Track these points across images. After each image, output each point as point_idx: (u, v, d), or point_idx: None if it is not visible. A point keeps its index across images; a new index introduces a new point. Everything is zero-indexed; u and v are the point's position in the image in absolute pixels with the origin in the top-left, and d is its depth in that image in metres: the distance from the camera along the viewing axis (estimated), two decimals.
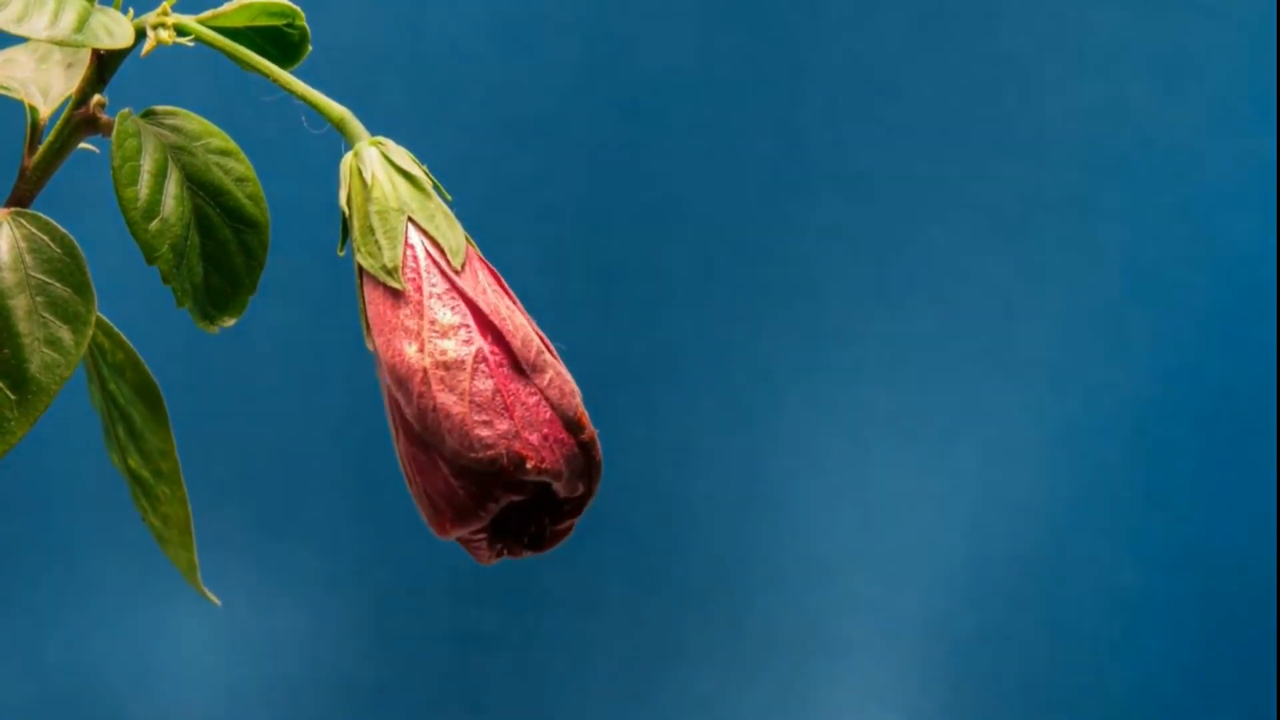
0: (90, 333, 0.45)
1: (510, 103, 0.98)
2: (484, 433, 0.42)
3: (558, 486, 0.43)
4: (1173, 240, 1.00)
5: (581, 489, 0.44)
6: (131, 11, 0.47)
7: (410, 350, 0.43)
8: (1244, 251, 1.00)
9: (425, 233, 0.45)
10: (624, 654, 1.00)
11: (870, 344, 1.00)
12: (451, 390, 0.42)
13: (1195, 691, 1.01)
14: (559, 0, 0.98)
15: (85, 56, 0.48)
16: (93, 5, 0.46)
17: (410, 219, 0.45)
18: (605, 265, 0.99)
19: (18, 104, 0.49)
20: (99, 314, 0.46)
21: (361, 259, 0.45)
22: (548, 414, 0.43)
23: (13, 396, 0.44)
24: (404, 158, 0.46)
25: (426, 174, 0.46)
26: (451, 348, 0.43)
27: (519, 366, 0.43)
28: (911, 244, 1.00)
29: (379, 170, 0.45)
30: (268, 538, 0.98)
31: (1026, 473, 1.00)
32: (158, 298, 0.53)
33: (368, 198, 0.45)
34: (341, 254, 0.46)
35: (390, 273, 0.44)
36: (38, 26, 0.44)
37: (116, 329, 0.51)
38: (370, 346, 0.45)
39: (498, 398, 0.42)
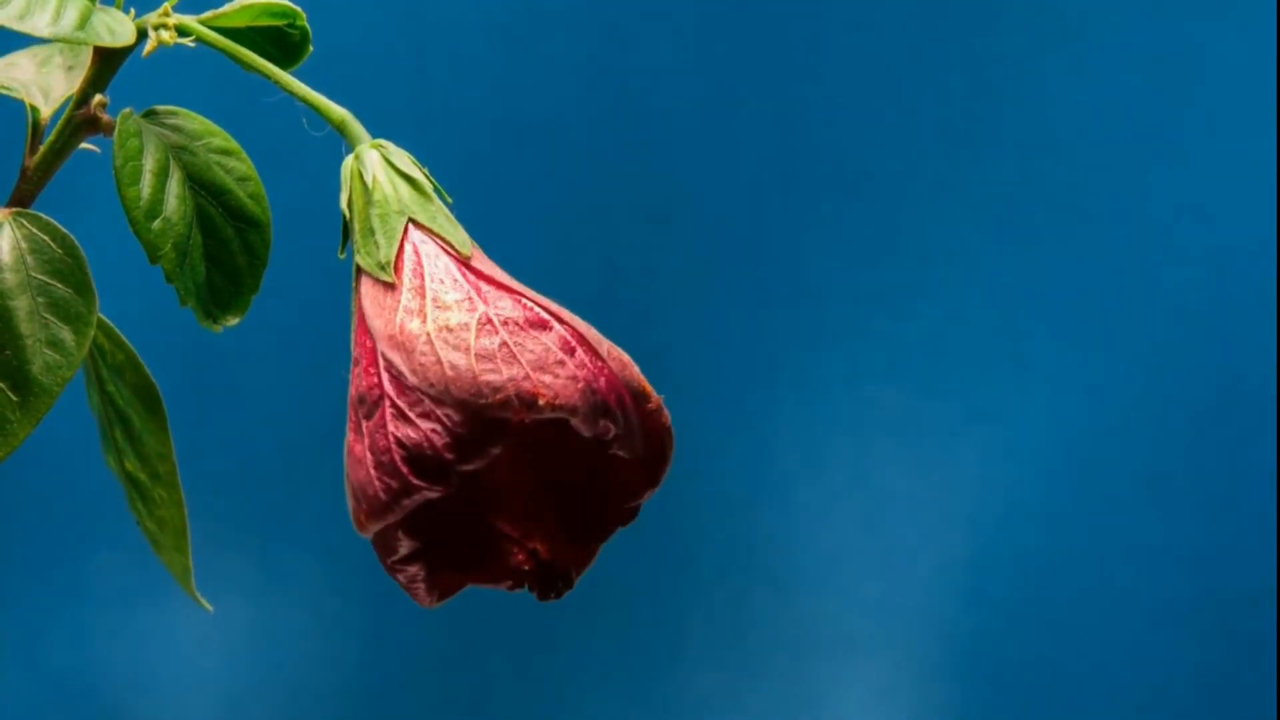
0: (92, 333, 0.45)
1: (510, 103, 0.98)
2: (492, 378, 0.41)
3: (577, 423, 0.42)
4: (1173, 240, 1.00)
5: (612, 430, 0.43)
6: (133, 11, 0.47)
7: (412, 323, 0.43)
8: (1244, 251, 1.00)
9: (427, 230, 0.45)
10: (624, 654, 1.00)
11: (870, 344, 1.00)
12: (456, 348, 0.42)
13: (1195, 691, 1.01)
14: (559, 0, 0.98)
15: (86, 60, 0.48)
16: (94, 4, 0.46)
17: (411, 220, 0.45)
18: (605, 265, 0.99)
19: (19, 104, 0.49)
20: (99, 315, 0.46)
21: (360, 259, 0.45)
22: (557, 357, 0.42)
23: (15, 398, 0.44)
24: (405, 161, 0.46)
25: (427, 177, 0.46)
26: (455, 316, 0.43)
27: (543, 326, 0.43)
28: (911, 244, 1.00)
29: (380, 173, 0.45)
30: (267, 538, 0.98)
31: (1026, 473, 1.00)
32: (158, 298, 0.53)
33: (369, 200, 0.45)
34: (342, 257, 0.46)
35: (383, 267, 0.44)
36: (40, 24, 0.44)
37: (117, 330, 0.51)
38: (354, 344, 0.45)
39: (504, 349, 0.42)
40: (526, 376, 0.42)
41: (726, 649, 1.00)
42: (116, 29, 0.46)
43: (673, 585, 1.00)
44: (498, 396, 0.41)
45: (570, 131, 0.98)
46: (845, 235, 0.99)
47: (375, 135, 0.46)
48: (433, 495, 0.42)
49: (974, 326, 1.00)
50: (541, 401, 0.41)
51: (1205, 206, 1.00)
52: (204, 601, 0.55)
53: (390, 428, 0.42)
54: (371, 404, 0.43)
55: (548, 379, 0.42)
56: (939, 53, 0.99)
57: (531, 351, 0.42)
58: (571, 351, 0.42)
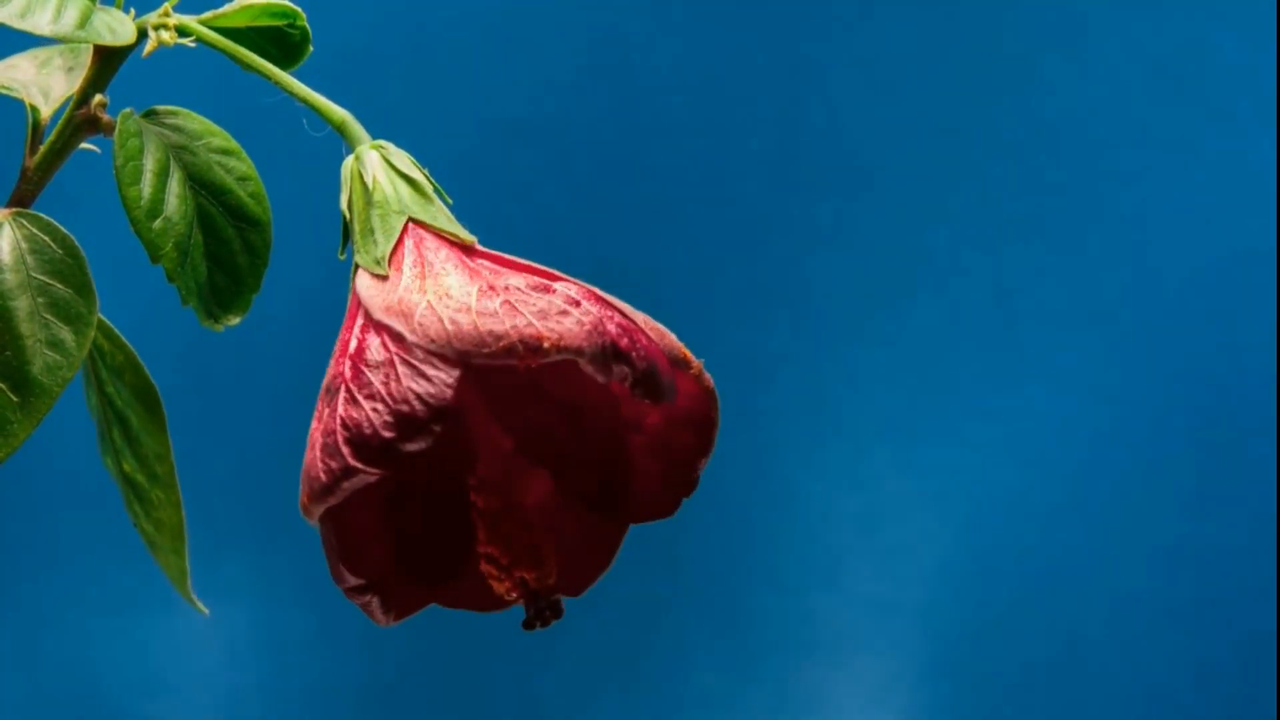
0: (92, 334, 0.45)
1: (510, 103, 0.98)
2: (495, 327, 0.41)
3: (587, 367, 0.41)
4: (1173, 240, 1.00)
5: (629, 375, 0.42)
6: (133, 11, 0.47)
7: (413, 295, 0.42)
8: (1244, 251, 1.00)
9: (427, 227, 0.45)
10: (624, 654, 1.00)
11: (870, 344, 1.00)
12: (458, 310, 0.41)
13: (1195, 691, 1.01)
14: (559, 0, 0.98)
15: (85, 61, 0.48)
16: (95, 4, 0.46)
17: (411, 219, 0.45)
18: (605, 265, 0.99)
19: (19, 105, 0.48)
20: (99, 315, 0.46)
21: (359, 257, 0.45)
22: (560, 308, 0.41)
23: (15, 399, 0.44)
24: (405, 161, 0.46)
25: (427, 178, 0.46)
26: (456, 288, 0.42)
27: (546, 289, 0.42)
28: (911, 244, 1.00)
29: (380, 174, 0.45)
30: (268, 538, 0.98)
31: (1026, 473, 1.00)
32: (158, 299, 0.53)
33: (369, 201, 0.45)
34: (342, 257, 0.46)
35: (379, 262, 0.44)
36: (41, 22, 0.44)
37: (116, 330, 0.51)
38: (338, 340, 0.44)
39: (506, 305, 0.41)
40: (529, 324, 0.41)
41: (726, 649, 1.00)
42: (117, 28, 0.46)
43: (672, 585, 1.00)
44: (501, 344, 0.40)
45: (569, 131, 0.98)
46: (845, 235, 0.99)
47: (375, 135, 0.46)
48: (370, 478, 0.41)
49: (974, 326, 1.00)
50: (546, 345, 0.41)
51: (1206, 206, 1.00)
52: (199, 604, 0.55)
53: (340, 411, 0.42)
54: (333, 392, 0.42)
55: (552, 324, 0.41)
56: (939, 53, 0.99)
57: (534, 305, 0.41)
58: (576, 304, 0.42)
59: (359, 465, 0.41)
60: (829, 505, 1.00)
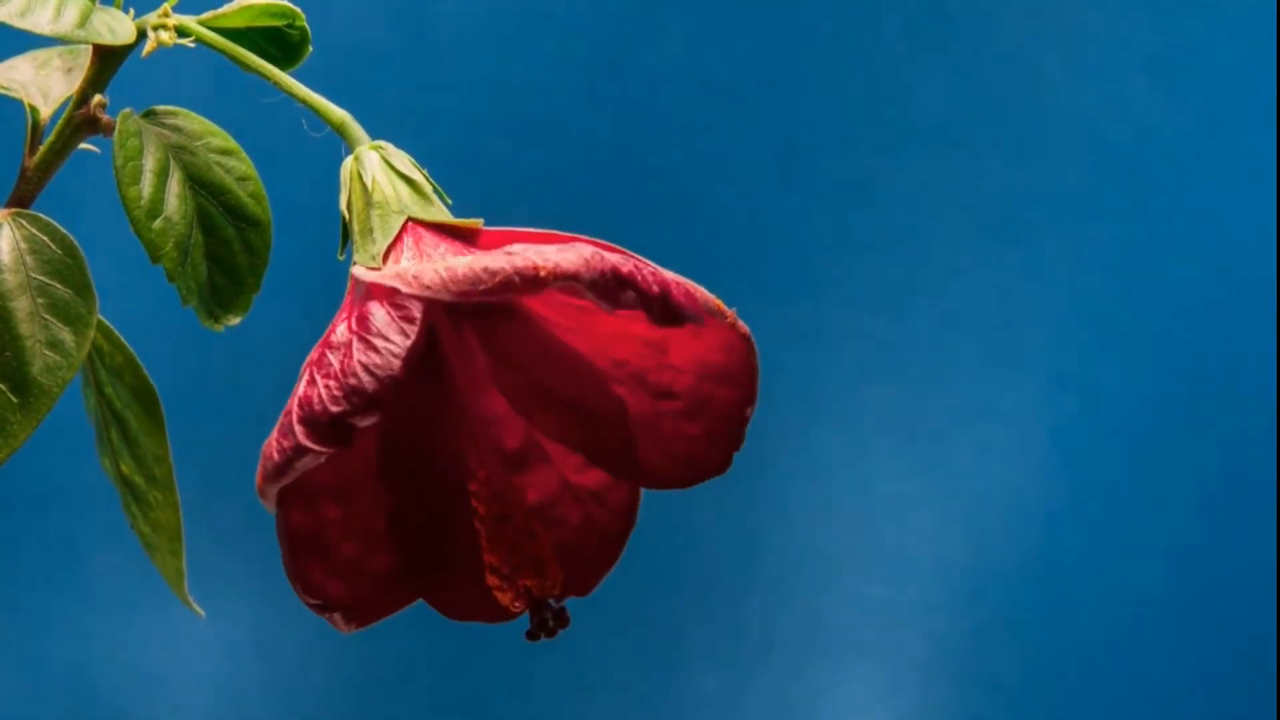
0: (91, 334, 0.45)
1: (509, 103, 0.98)
2: (489, 264, 0.40)
3: (586, 291, 0.41)
4: (1173, 240, 1.00)
5: (638, 300, 0.42)
6: (133, 11, 0.47)
7: (409, 265, 0.42)
8: (1244, 251, 1.00)
9: (427, 225, 0.45)
10: (624, 654, 1.00)
11: (870, 344, 1.00)
12: (455, 264, 0.41)
13: (1195, 691, 1.01)
14: (559, 0, 0.98)
15: (85, 62, 0.48)
16: (94, 4, 0.46)
17: (411, 219, 0.45)
18: None
19: (19, 105, 0.48)
20: (99, 316, 0.46)
21: (357, 256, 0.45)
22: (555, 248, 0.41)
23: (15, 400, 0.44)
24: (404, 162, 0.46)
25: (427, 178, 0.46)
26: (453, 259, 0.42)
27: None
28: (911, 244, 1.00)
29: (379, 174, 0.45)
30: (268, 539, 0.98)
31: (1026, 473, 1.00)
32: (157, 300, 0.53)
33: (368, 202, 0.45)
34: (342, 258, 0.46)
35: (374, 257, 0.44)
36: (40, 21, 0.44)
37: (116, 331, 0.51)
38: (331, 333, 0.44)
39: (504, 254, 0.41)
40: (525, 258, 0.40)
41: (725, 650, 1.00)
42: (116, 28, 0.46)
43: (671, 585, 1.00)
44: (497, 279, 0.40)
45: (569, 131, 0.98)
46: (845, 235, 0.99)
47: (374, 136, 0.46)
48: (322, 457, 0.40)
49: (974, 326, 1.00)
50: (543, 273, 0.40)
51: (1205, 206, 1.00)
52: (195, 606, 0.55)
53: (299, 392, 0.41)
54: (300, 378, 0.42)
55: (548, 256, 0.41)
56: (939, 53, 0.99)
57: (532, 249, 0.41)
58: (573, 243, 0.41)
59: (310, 444, 0.40)
60: (828, 506, 1.00)
